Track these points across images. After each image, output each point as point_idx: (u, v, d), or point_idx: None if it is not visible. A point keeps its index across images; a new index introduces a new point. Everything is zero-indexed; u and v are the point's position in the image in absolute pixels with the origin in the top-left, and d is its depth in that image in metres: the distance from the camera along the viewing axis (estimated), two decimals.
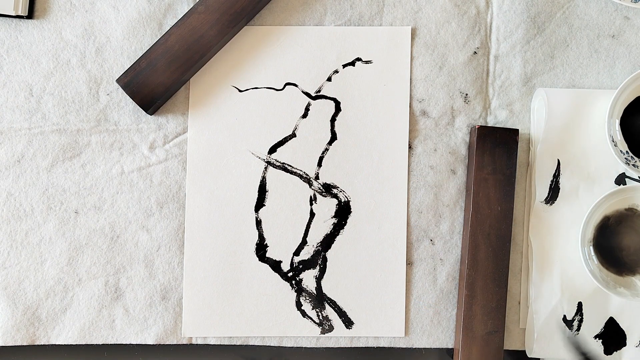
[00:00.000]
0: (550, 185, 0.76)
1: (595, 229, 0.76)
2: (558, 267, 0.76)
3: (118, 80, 0.75)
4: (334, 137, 0.77)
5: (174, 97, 0.77)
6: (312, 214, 0.77)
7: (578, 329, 0.76)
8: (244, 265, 0.77)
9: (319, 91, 0.77)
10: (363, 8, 0.78)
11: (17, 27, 0.77)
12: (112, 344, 0.77)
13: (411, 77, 0.78)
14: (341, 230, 0.77)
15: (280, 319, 0.77)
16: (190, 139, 0.77)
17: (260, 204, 0.77)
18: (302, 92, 0.77)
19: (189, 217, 0.77)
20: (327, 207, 0.77)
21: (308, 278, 0.77)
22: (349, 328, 0.77)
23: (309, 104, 0.77)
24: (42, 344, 0.76)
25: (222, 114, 0.77)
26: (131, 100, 0.76)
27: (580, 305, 0.76)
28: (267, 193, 0.77)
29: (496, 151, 0.75)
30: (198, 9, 0.74)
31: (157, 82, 0.74)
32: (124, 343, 0.76)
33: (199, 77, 0.77)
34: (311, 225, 0.77)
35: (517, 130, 0.75)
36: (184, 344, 0.77)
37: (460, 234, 0.77)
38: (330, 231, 0.77)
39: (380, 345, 0.77)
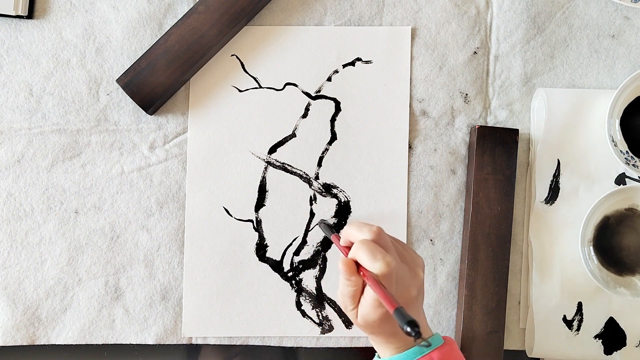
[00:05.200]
0: (550, 185, 0.76)
1: (595, 229, 0.76)
2: (558, 267, 0.76)
3: (118, 80, 0.75)
4: (334, 137, 0.77)
5: (174, 97, 0.77)
6: (312, 214, 0.77)
7: (578, 329, 0.76)
8: (244, 265, 0.77)
9: (319, 91, 0.77)
10: (363, 8, 0.78)
11: (17, 27, 0.77)
12: (112, 344, 0.77)
13: (411, 77, 0.78)
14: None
15: (280, 319, 0.76)
16: (190, 139, 0.77)
17: (260, 204, 0.77)
18: (302, 92, 0.77)
19: (189, 217, 0.77)
20: (327, 207, 0.77)
21: (308, 278, 0.77)
22: (349, 328, 0.77)
23: (309, 104, 0.77)
24: (42, 344, 0.76)
25: (222, 114, 0.77)
26: (131, 100, 0.76)
27: (580, 305, 0.76)
28: (267, 193, 0.77)
29: (496, 151, 0.75)
30: (198, 9, 0.74)
31: (157, 82, 0.74)
32: (124, 343, 0.76)
33: (199, 77, 0.77)
34: (311, 225, 0.77)
35: (517, 130, 0.75)
36: (184, 344, 0.77)
37: (460, 234, 0.77)
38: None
39: None
